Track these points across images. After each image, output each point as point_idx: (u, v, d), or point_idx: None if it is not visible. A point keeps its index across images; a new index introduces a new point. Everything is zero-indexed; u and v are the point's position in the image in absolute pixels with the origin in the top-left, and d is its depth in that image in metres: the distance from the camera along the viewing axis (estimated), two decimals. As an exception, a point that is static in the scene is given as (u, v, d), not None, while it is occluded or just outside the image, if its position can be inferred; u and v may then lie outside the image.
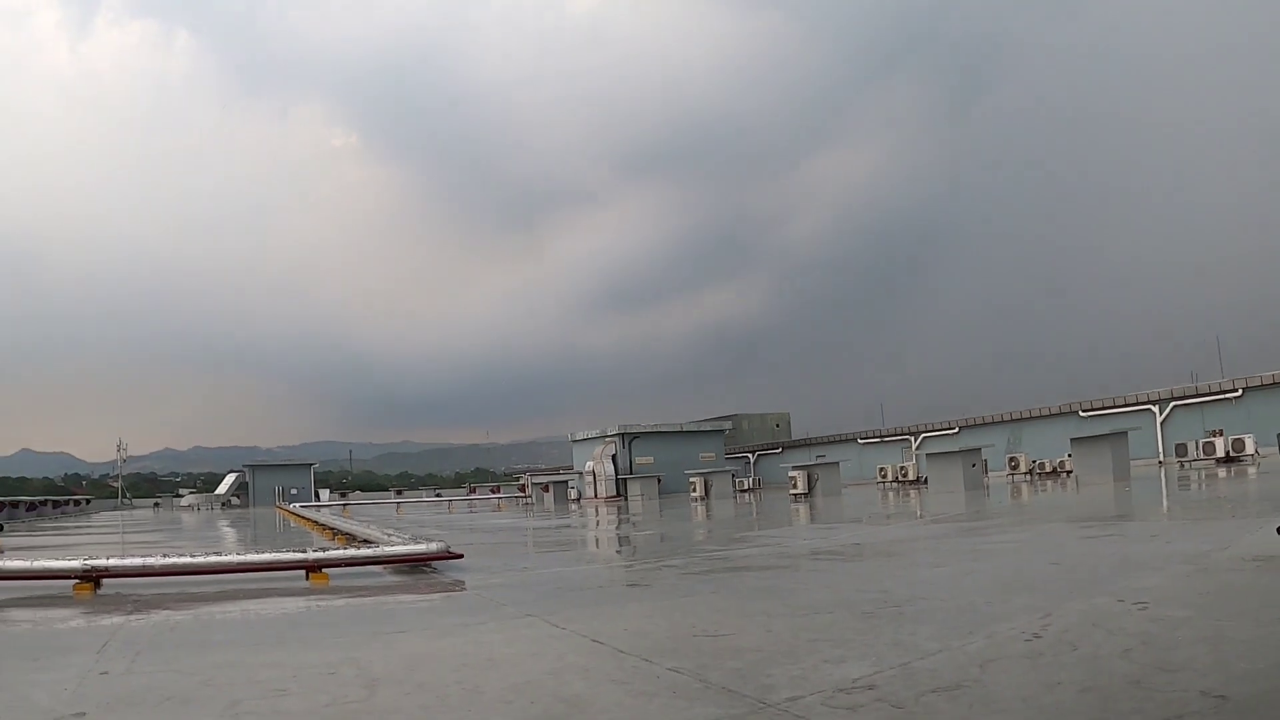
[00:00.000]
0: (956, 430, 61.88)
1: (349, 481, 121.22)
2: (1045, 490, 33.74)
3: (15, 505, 62.27)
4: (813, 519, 26.67)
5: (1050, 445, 49.17)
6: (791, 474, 43.25)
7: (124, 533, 37.87)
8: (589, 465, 66.34)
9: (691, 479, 52.65)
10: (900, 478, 50.74)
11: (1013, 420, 59.12)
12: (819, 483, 42.03)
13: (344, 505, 67.05)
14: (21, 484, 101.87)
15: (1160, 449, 48.66)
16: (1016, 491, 34.16)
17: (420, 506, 67.77)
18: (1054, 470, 44.58)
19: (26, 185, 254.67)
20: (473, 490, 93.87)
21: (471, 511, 52.35)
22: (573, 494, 64.27)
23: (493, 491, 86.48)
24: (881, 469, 53.55)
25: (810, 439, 77.81)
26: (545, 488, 65.47)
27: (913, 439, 65.39)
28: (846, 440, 72.68)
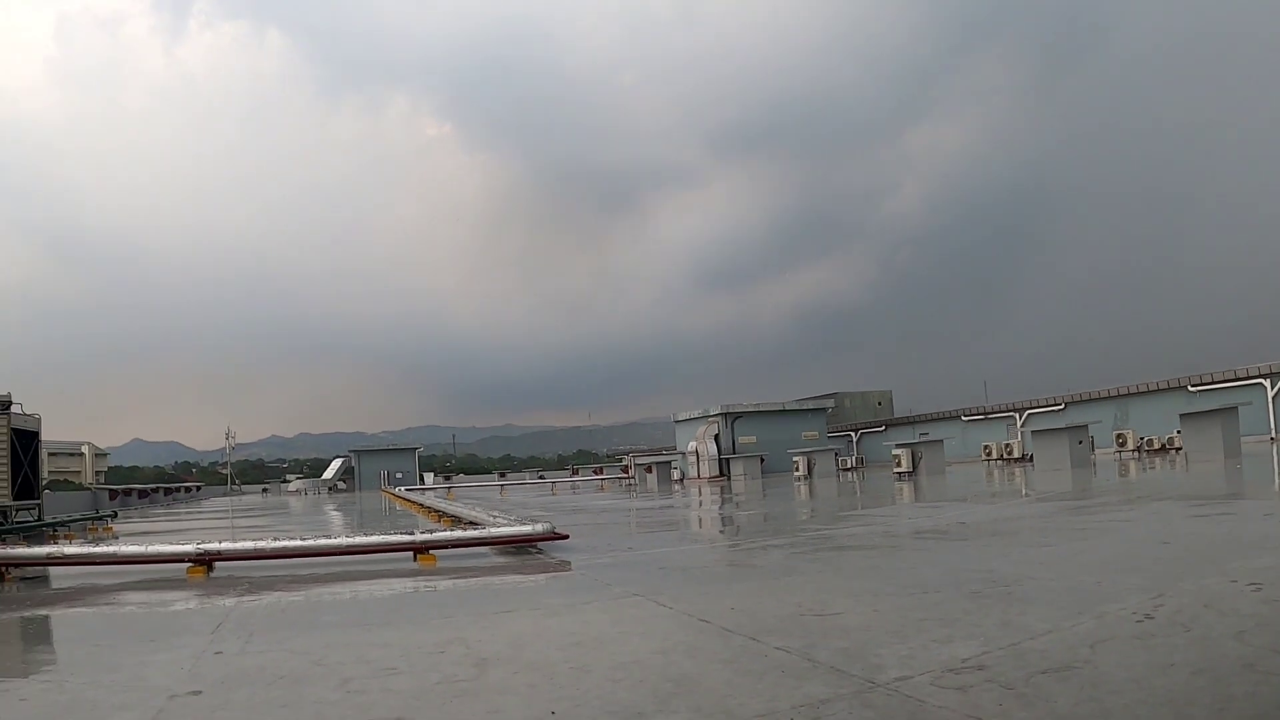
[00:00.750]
0: (1062, 406, 60.92)
1: (453, 465, 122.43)
2: (1153, 468, 33.18)
3: (128, 493, 63.78)
4: (917, 498, 26.50)
5: (1158, 421, 48.27)
6: (895, 452, 42.96)
7: (233, 518, 38.62)
8: (692, 445, 66.35)
9: (794, 458, 52.49)
10: (1005, 455, 50.20)
11: (1120, 396, 58.02)
12: (923, 461, 41.70)
13: (448, 488, 67.69)
14: (133, 472, 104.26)
15: (1272, 425, 47.52)
16: (1124, 469, 33.62)
17: (524, 489, 68.21)
18: (1162, 447, 43.78)
19: (128, 184, 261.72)
20: (575, 472, 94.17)
21: (575, 493, 52.66)
22: (676, 474, 64.32)
23: (595, 473, 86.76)
24: (986, 447, 53.01)
25: (913, 417, 77.07)
26: (648, 468, 65.61)
27: (1018, 416, 64.50)
28: (950, 418, 71.89)
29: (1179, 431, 39.15)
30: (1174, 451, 41.63)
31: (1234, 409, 34.86)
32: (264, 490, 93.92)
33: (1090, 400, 59.75)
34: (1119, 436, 47.29)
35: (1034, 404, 64.27)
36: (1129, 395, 57.37)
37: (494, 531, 15.45)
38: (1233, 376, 51.10)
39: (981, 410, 69.80)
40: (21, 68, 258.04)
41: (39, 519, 28.01)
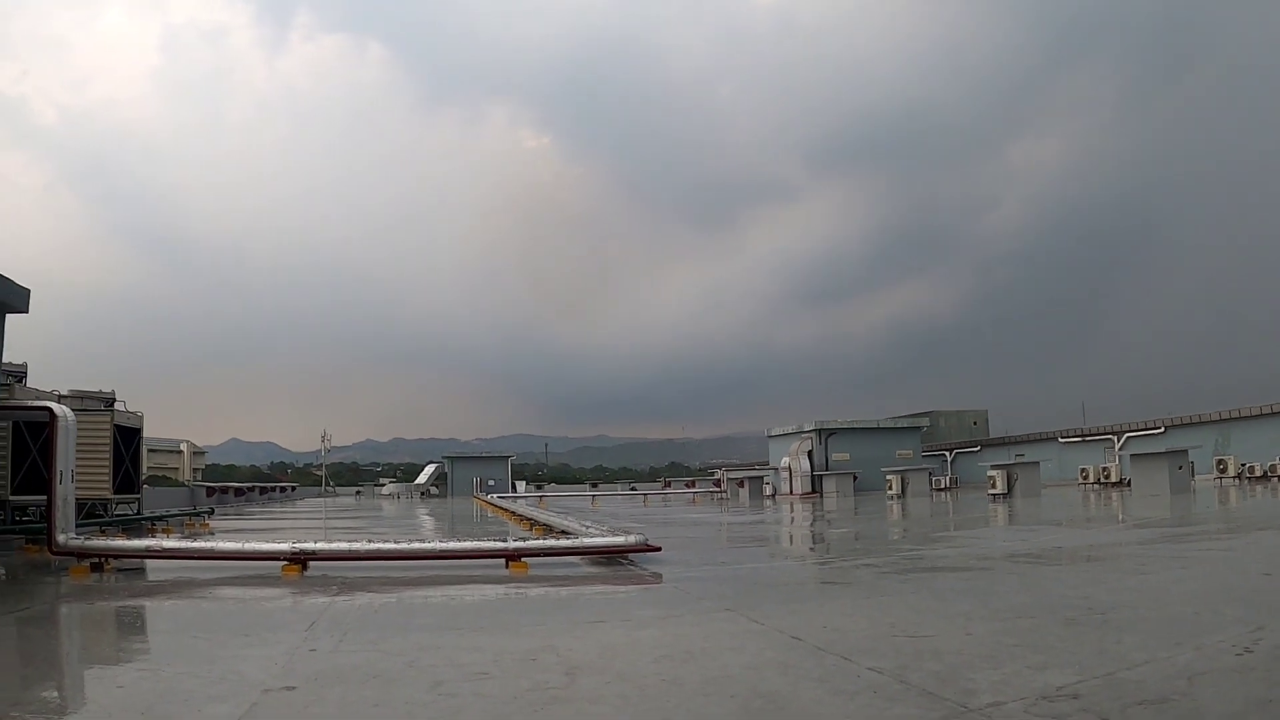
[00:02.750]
0: (1162, 430, 59.87)
1: (544, 474, 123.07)
2: (1255, 495, 32.53)
3: (225, 490, 64.99)
4: (1011, 520, 26.22)
5: (1262, 447, 47.25)
6: (990, 473, 42.53)
7: (327, 518, 39.19)
8: (785, 461, 66.16)
9: (888, 476, 52.23)
10: (1102, 479, 49.43)
11: (1221, 420, 56.88)
12: (1018, 483, 41.23)
13: (540, 497, 68.14)
14: (230, 471, 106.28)
15: (1381, 451, 46.32)
16: (1224, 496, 33.00)
17: (615, 500, 68.30)
18: (1264, 474, 42.86)
19: (229, 191, 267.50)
20: (667, 485, 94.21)
21: (666, 506, 52.70)
22: (768, 490, 64.24)
23: (687, 486, 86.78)
24: (1083, 470, 52.24)
25: (1009, 437, 76.21)
26: (740, 483, 65.47)
27: (1115, 439, 63.50)
28: (1046, 439, 70.98)
29: (1282, 458, 38.36)
30: (1277, 479, 40.76)
31: (1340, 435, 34.07)
32: (357, 493, 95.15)
33: (1191, 424, 58.66)
34: (1219, 462, 46.39)
35: (1133, 427, 63.23)
36: (1231, 420, 56.20)
37: (586, 541, 15.55)
38: (1340, 401, 49.87)
39: (1079, 432, 68.84)
40: (129, 78, 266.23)
41: (138, 512, 28.70)
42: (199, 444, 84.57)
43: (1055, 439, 69.88)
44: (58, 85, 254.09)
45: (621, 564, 14.85)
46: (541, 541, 16.15)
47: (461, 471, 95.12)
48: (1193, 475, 37.81)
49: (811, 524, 29.90)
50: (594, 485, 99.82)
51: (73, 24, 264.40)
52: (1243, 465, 44.70)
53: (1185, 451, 37.38)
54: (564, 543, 15.65)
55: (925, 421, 77.22)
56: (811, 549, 20.64)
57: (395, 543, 15.14)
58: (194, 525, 30.63)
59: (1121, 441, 62.36)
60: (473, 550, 14.98)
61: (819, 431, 67.97)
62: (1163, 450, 38.43)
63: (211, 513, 36.59)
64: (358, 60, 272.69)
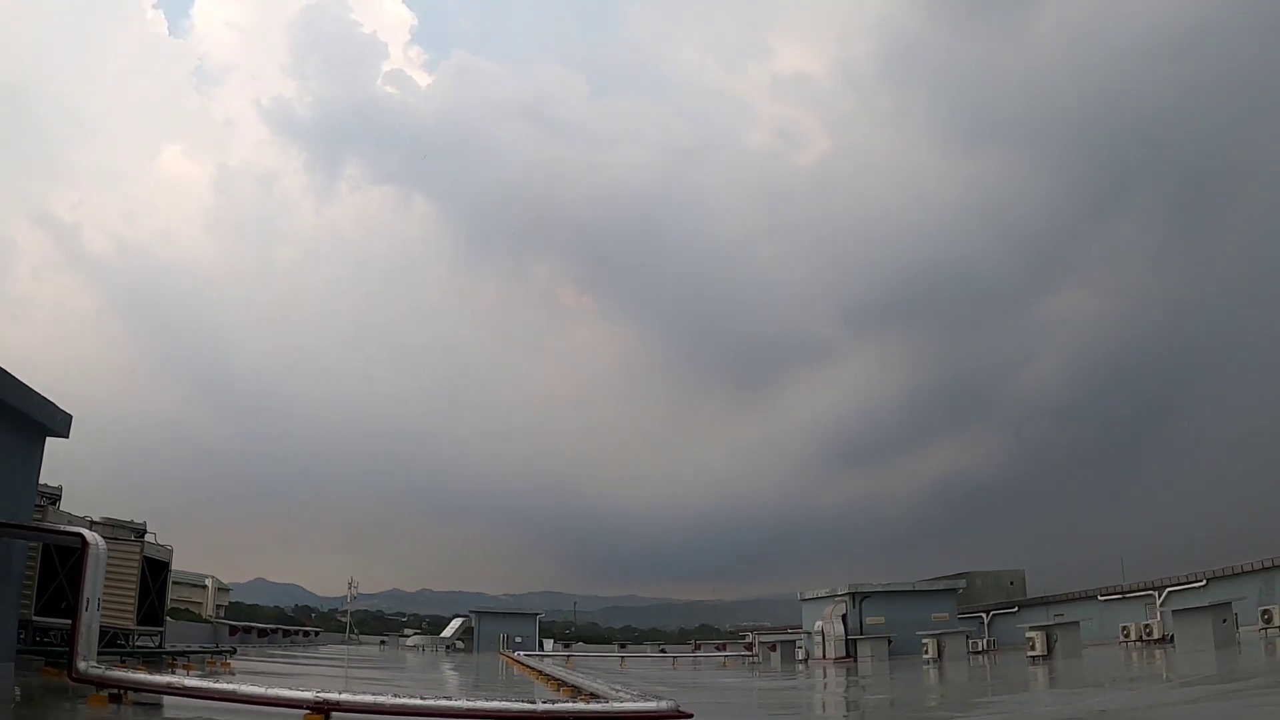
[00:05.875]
0: (1204, 583, 58.70)
1: (572, 633, 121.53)
2: (1303, 647, 31.77)
3: (249, 630, 64.58)
4: (1053, 683, 25.63)
5: (1308, 596, 46.23)
6: (1029, 635, 41.72)
7: (350, 667, 38.75)
8: (818, 625, 65.17)
9: (924, 640, 51.31)
10: (1144, 636, 48.39)
11: (1265, 569, 55.76)
12: (1058, 643, 40.41)
13: (567, 656, 67.29)
14: (254, 610, 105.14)
15: None
16: (1271, 648, 32.24)
17: (644, 661, 67.61)
18: (1312, 624, 41.86)
19: (273, 332, 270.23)
20: (698, 647, 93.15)
21: (696, 668, 52.02)
22: (800, 654, 63.36)
23: (718, 649, 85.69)
24: (1124, 628, 51.16)
25: (1047, 597, 74.92)
26: (773, 646, 64.58)
27: (1157, 594, 62.30)
28: (1086, 598, 69.73)
29: (1330, 607, 37.49)
30: (1325, 628, 39.77)
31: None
32: (382, 642, 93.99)
33: (1233, 575, 57.51)
34: (1264, 613, 45.32)
35: (1173, 581, 62.13)
36: (1275, 569, 55.13)
37: (615, 706, 15.28)
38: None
39: (1118, 589, 67.64)
40: (183, 215, 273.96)
41: (160, 645, 28.53)
42: (224, 580, 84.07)
43: (1095, 597, 68.66)
44: (114, 215, 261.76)
45: (653, 730, 14.50)
46: (570, 705, 15.91)
47: (488, 626, 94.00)
48: (1237, 627, 36.96)
49: (846, 690, 29.34)
50: (622, 646, 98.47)
51: (132, 161, 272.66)
52: (1289, 615, 43.69)
53: (1229, 604, 36.61)
54: (593, 707, 15.42)
55: (961, 583, 76.15)
56: (845, 716, 20.19)
57: (421, 698, 14.85)
58: (215, 664, 30.46)
59: (1163, 597, 61.17)
60: (501, 711, 14.70)
61: (853, 595, 67.04)
62: (1205, 604, 37.66)
63: (234, 652, 36.33)
64: (403, 211, 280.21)
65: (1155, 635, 47.35)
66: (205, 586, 72.88)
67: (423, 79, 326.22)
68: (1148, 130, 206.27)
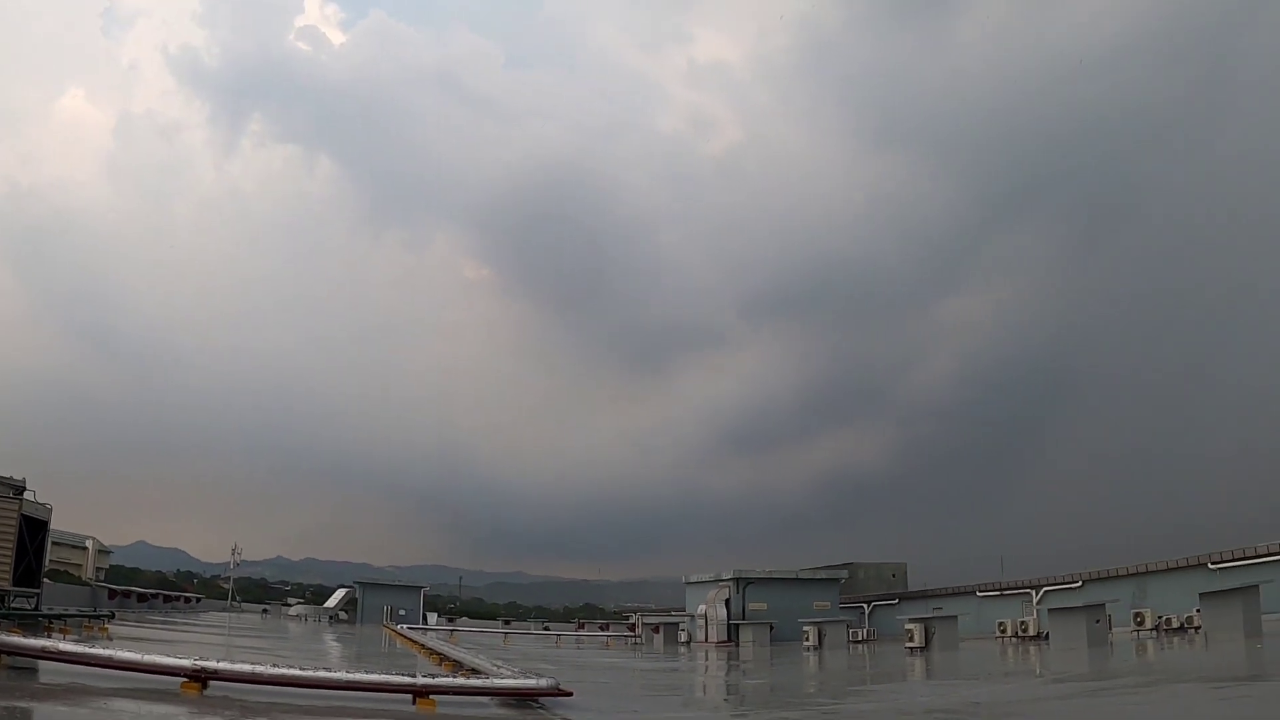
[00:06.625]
0: (1080, 584, 59.93)
1: (457, 607, 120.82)
2: (1171, 647, 32.60)
3: (127, 595, 63.44)
4: (929, 674, 25.97)
5: (1177, 600, 47.35)
6: (908, 626, 42.31)
7: (231, 635, 38.25)
8: (701, 609, 65.51)
9: (804, 628, 51.75)
10: (1020, 633, 49.29)
11: (1138, 574, 57.09)
12: (936, 636, 41.02)
13: (451, 631, 67.05)
14: (135, 574, 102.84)
15: (1296, 604, 46.56)
16: (1142, 649, 33.03)
17: (527, 639, 67.69)
18: (1181, 626, 42.90)
19: (164, 289, 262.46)
20: (581, 626, 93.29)
21: (579, 647, 52.05)
22: (683, 636, 63.69)
23: (601, 629, 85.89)
24: (1001, 623, 52.07)
25: (928, 590, 76.06)
26: (655, 628, 64.80)
27: (1034, 592, 63.47)
28: (965, 593, 70.87)
29: (1198, 610, 38.42)
30: (1193, 631, 40.80)
31: (1255, 588, 34.19)
32: (264, 611, 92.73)
33: (1108, 578, 58.79)
34: (1136, 615, 46.39)
35: (1051, 581, 63.33)
36: (1148, 573, 56.43)
37: (496, 682, 15.21)
38: (1254, 554, 50.21)
39: (997, 586, 68.83)
40: (81, 161, 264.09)
41: (36, 608, 27.85)
42: (106, 543, 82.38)
43: (974, 593, 69.77)
44: (9, 157, 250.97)
45: (532, 707, 14.46)
46: (451, 679, 15.78)
47: (373, 598, 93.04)
48: (1110, 628, 37.76)
49: (727, 674, 29.47)
50: (507, 622, 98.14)
51: (32, 101, 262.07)
52: (1159, 618, 44.72)
53: (1102, 605, 37.38)
54: (475, 682, 15.35)
55: (844, 573, 77.04)
56: (726, 699, 20.25)
57: (301, 668, 14.66)
58: (93, 628, 29.80)
59: (1039, 595, 62.33)
60: (381, 683, 14.57)
61: (737, 580, 67.43)
62: (1080, 604, 38.41)
63: (112, 616, 35.61)
64: (307, 173, 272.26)
65: (1031, 632, 48.25)
66: (85, 548, 71.34)
67: (336, 37, 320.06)
68: (1055, 146, 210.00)
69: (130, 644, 19.53)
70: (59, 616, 28.95)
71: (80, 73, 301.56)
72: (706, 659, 39.43)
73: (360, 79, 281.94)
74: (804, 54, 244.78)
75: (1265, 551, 49.10)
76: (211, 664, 13.92)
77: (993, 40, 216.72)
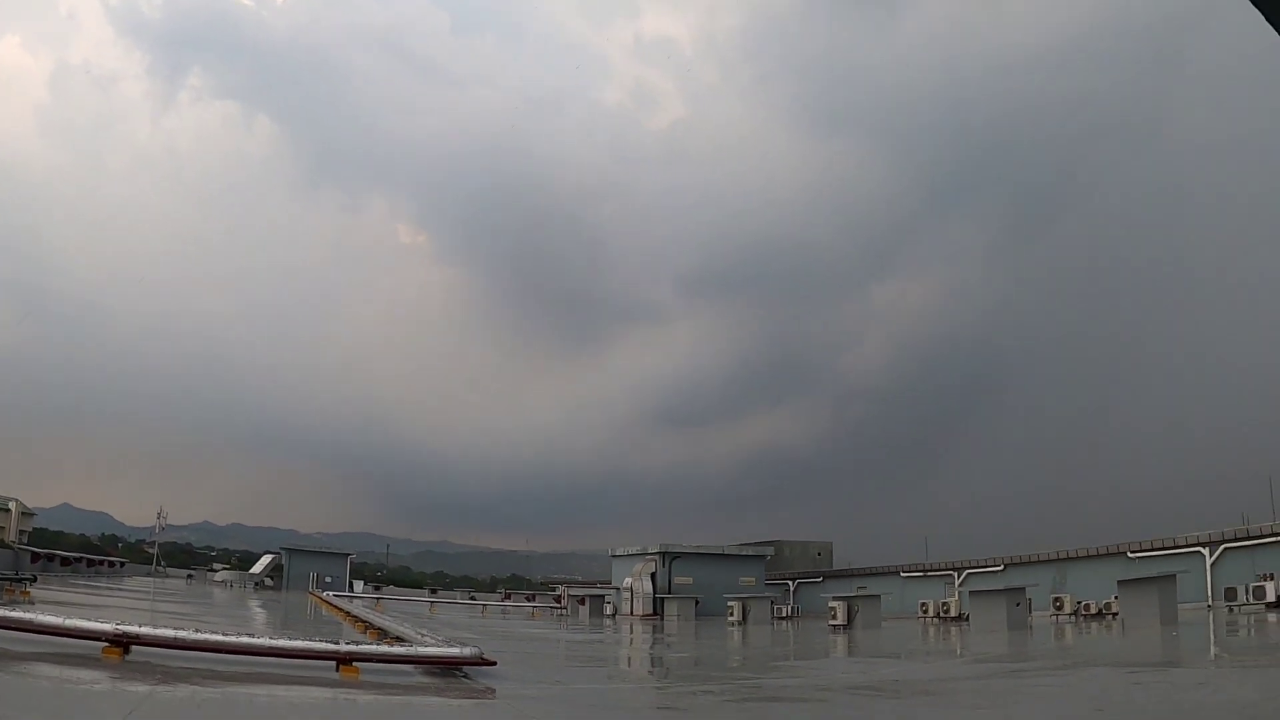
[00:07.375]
0: (1002, 568, 60.80)
1: (384, 575, 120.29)
2: (1089, 633, 33.15)
3: (51, 558, 62.65)
4: (851, 652, 26.26)
5: (1096, 586, 48.15)
6: (831, 604, 42.68)
7: (155, 600, 37.92)
8: (627, 581, 65.74)
9: (730, 603, 52.08)
10: (942, 614, 49.87)
11: (1058, 560, 57.96)
12: (859, 615, 41.44)
13: (377, 599, 66.82)
14: (59, 538, 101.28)
15: (1209, 593, 47.50)
16: (1060, 633, 33.57)
17: (454, 608, 67.53)
18: (1099, 612, 43.63)
19: (95, 244, 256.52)
20: (508, 596, 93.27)
21: (505, 617, 52.12)
22: (609, 609, 63.89)
23: (528, 599, 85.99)
24: (923, 604, 52.65)
25: (852, 569, 76.75)
26: (581, 600, 65.01)
27: (956, 575, 64.29)
28: (889, 573, 71.61)
29: (1116, 597, 39.10)
30: (1110, 617, 41.51)
31: (1172, 577, 34.85)
32: (189, 576, 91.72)
33: (1029, 563, 59.65)
34: (1056, 600, 47.12)
35: (973, 564, 64.12)
36: (1068, 559, 57.30)
37: (420, 650, 15.20)
38: (1172, 544, 51.18)
39: (920, 567, 69.59)
40: (13, 110, 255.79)
41: None
42: (29, 505, 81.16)
43: (897, 573, 70.52)
44: None
45: (456, 676, 14.47)
46: (375, 647, 15.74)
47: (299, 565, 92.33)
48: (1030, 612, 38.33)
49: (651, 646, 29.63)
50: (433, 591, 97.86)
51: None
52: (1078, 603, 45.44)
53: (1023, 589, 37.91)
54: (398, 650, 15.33)
55: (770, 550, 77.53)
56: (650, 672, 20.38)
57: (224, 634, 14.58)
58: (14, 591, 29.41)
59: (962, 578, 63.12)
60: (304, 650, 14.51)
61: (663, 554, 67.72)
62: (1001, 587, 38.95)
63: (34, 580, 35.20)
64: (245, 131, 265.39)
65: (952, 613, 48.79)
66: (8, 510, 70.28)
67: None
68: (994, 137, 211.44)
69: (52, 608, 19.33)
70: (-21, 580, 28.60)
71: (16, 19, 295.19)
72: (631, 631, 39.64)
73: (303, 37, 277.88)
74: (752, 35, 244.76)
75: (1183, 543, 50.17)
76: (134, 629, 13.81)
77: (941, 30, 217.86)
